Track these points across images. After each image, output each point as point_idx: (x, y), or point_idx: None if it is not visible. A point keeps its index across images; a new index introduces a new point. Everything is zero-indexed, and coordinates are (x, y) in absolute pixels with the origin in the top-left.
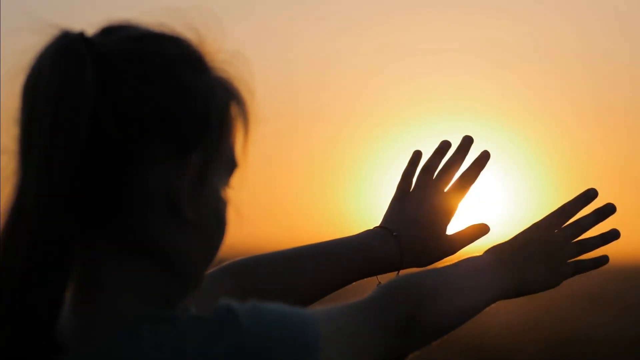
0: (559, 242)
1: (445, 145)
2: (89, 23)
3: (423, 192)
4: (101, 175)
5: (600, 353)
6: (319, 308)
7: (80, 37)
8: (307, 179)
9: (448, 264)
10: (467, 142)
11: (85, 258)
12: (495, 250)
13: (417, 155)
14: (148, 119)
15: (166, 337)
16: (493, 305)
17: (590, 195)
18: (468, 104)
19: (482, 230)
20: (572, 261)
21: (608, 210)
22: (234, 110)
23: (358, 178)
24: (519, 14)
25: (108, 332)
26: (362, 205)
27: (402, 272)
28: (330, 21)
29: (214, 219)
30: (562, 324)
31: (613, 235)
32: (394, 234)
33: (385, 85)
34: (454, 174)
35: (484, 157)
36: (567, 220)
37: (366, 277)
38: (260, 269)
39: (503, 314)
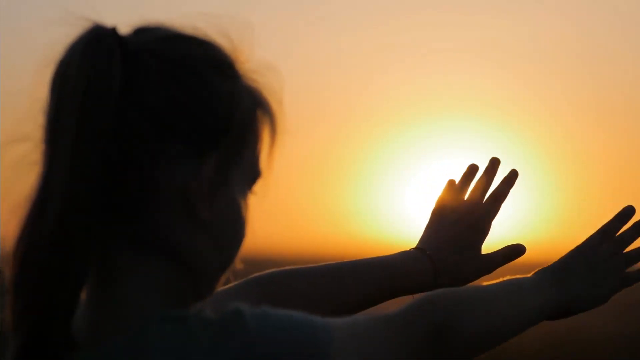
0: (602, 257)
1: (473, 168)
2: (124, 24)
3: (456, 213)
4: (122, 171)
5: (600, 352)
6: (340, 318)
7: (112, 32)
8: (307, 179)
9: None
10: (495, 163)
11: (102, 254)
12: (539, 271)
13: (451, 182)
14: (169, 116)
15: (173, 338)
16: None
17: (627, 212)
18: (468, 104)
19: (517, 250)
20: (621, 274)
21: None
22: (260, 118)
23: (358, 178)
24: (519, 14)
25: (119, 331)
26: (362, 204)
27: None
28: (331, 21)
29: (230, 223)
30: (562, 323)
31: None
32: (427, 252)
33: (386, 85)
34: (484, 195)
35: (513, 176)
36: (609, 238)
37: (399, 296)
38: (284, 282)
39: None
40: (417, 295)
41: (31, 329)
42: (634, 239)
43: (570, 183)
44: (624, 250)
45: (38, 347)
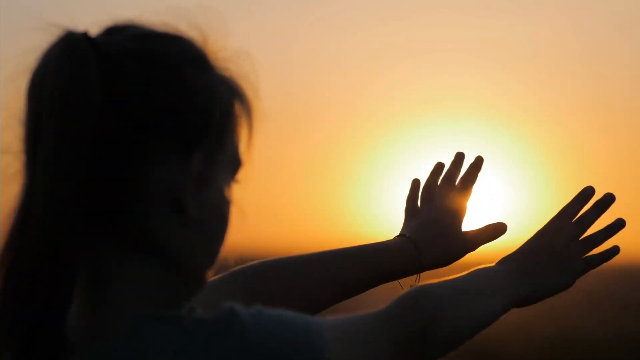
0: (565, 242)
1: (440, 167)
2: (92, 23)
3: (428, 204)
4: (107, 175)
5: (600, 352)
6: (328, 317)
7: (84, 37)
8: (309, 178)
9: (460, 274)
10: (459, 157)
11: (92, 257)
12: (505, 261)
13: (416, 182)
14: (152, 117)
15: (168, 338)
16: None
17: (587, 193)
18: (468, 104)
19: (499, 229)
20: (584, 258)
21: (607, 201)
22: (237, 108)
23: (359, 177)
24: (519, 14)
25: (113, 332)
26: (363, 203)
27: (423, 275)
28: (332, 21)
29: (218, 218)
30: (562, 323)
31: (618, 224)
32: (407, 235)
33: (387, 85)
34: (455, 180)
35: (480, 161)
36: (570, 221)
37: (384, 281)
38: (270, 272)
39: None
40: (401, 287)
41: (24, 338)
42: (595, 219)
43: (570, 181)
44: (585, 232)
45: (32, 354)
